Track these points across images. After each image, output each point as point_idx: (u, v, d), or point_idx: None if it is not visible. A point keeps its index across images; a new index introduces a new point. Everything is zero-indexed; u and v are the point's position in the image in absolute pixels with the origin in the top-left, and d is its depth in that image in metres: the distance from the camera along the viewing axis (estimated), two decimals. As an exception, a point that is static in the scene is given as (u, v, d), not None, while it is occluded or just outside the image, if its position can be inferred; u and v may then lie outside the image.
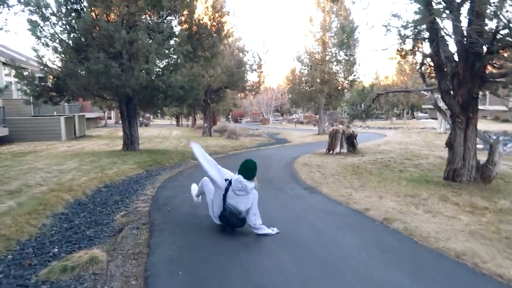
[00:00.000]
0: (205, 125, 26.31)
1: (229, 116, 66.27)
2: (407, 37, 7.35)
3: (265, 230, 4.74)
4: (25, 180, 8.44)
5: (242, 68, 25.05)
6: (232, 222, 4.79)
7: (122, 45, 10.78)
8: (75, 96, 11.85)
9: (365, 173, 9.66)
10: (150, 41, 11.12)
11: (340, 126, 15.00)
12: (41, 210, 5.92)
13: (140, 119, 56.01)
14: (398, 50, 8.33)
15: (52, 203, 6.53)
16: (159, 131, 35.41)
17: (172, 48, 11.61)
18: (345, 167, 10.85)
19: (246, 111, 69.33)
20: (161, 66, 11.49)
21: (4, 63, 21.43)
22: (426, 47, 8.38)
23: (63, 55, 11.70)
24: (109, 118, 66.59)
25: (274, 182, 8.42)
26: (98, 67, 10.64)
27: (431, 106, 53.42)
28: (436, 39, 7.01)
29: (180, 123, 54.63)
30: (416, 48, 8.18)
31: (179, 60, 12.24)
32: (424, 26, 6.89)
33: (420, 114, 66.53)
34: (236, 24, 27.03)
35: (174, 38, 12.16)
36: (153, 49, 10.97)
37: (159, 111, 40.57)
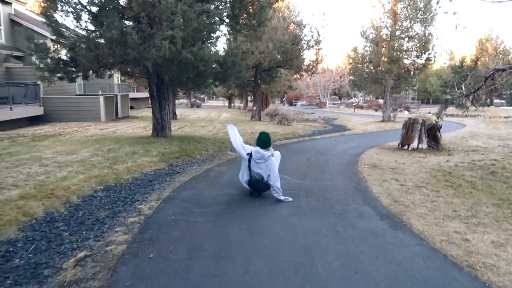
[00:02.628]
0: (255, 108, 23.82)
1: (284, 99, 63.38)
2: None
3: (282, 196, 5.53)
4: (3, 178, 6.49)
5: (298, 45, 22.08)
6: (258, 187, 5.78)
7: (140, 5, 8.46)
8: (87, 70, 9.79)
9: (466, 186, 6.62)
10: (178, 1, 8.69)
11: (426, 114, 11.73)
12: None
13: (193, 99, 55.02)
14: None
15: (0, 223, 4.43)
16: (208, 113, 33.62)
17: (207, 12, 9.10)
18: (431, 172, 7.82)
19: (302, 93, 65.95)
20: (191, 34, 9.04)
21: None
22: None
23: (77, 21, 9.66)
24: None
25: (332, 198, 5.70)
26: (112, 33, 8.42)
27: (515, 92, 46.83)
28: None
29: (233, 105, 52.78)
30: None
31: (215, 27, 9.71)
32: None
33: (497, 101, 58.98)
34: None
35: (210, -1, 9.62)
36: (180, 11, 8.53)
37: (206, 91, 38.85)
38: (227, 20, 11.86)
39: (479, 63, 38.65)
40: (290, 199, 5.51)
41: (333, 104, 58.76)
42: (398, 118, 26.08)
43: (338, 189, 6.28)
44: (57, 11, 9.31)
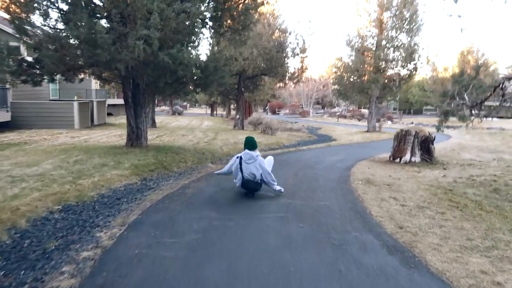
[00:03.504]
0: (237, 116, 23.02)
1: (267, 107, 62.86)
2: None
3: (278, 186, 6.33)
4: None
5: (283, 53, 21.46)
6: (250, 186, 6.28)
7: (112, 2, 7.60)
8: (52, 72, 8.81)
9: (472, 207, 5.95)
10: (154, -2, 7.87)
11: (414, 126, 11.16)
12: None
13: (175, 107, 53.79)
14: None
15: None
16: (190, 121, 32.68)
17: (187, 12, 8.29)
18: (430, 189, 7.15)
19: (285, 102, 65.58)
20: (170, 35, 8.21)
21: None
22: None
23: (44, 18, 8.71)
24: (145, 105, 65.30)
25: (327, 222, 4.92)
26: (79, 32, 7.52)
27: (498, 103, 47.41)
28: None
29: (215, 112, 51.85)
30: None
31: (196, 29, 8.91)
32: None
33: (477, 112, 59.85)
34: None
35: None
36: (157, 8, 7.70)
37: (188, 98, 38.00)
38: (210, 23, 11.11)
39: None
40: (282, 190, 6.33)
41: (316, 113, 58.51)
42: (383, 128, 25.69)
43: (332, 210, 5.51)
44: (21, 7, 8.32)
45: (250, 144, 6.41)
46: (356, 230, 4.58)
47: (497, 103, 7.77)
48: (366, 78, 23.03)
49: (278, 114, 60.50)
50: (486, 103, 8.41)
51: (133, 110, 11.10)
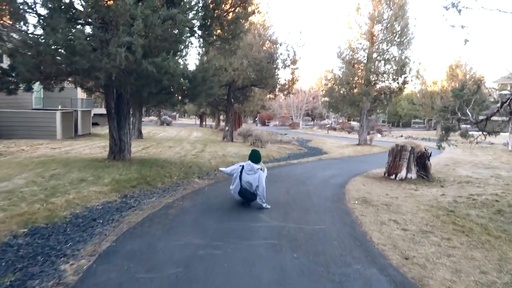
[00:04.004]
0: (227, 128, 22.51)
1: (256, 119, 62.55)
2: None
3: (265, 204, 6.47)
4: None
5: (273, 64, 21.12)
6: (246, 196, 6.56)
7: (93, 6, 7.09)
8: (27, 80, 8.21)
9: (479, 231, 5.50)
10: (138, 3, 7.39)
11: (408, 140, 10.79)
12: None
13: (163, 117, 52.99)
14: None
15: None
16: (178, 132, 32.06)
17: (173, 19, 7.80)
18: (431, 210, 6.71)
19: (275, 113, 65.35)
20: (155, 42, 7.72)
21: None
22: None
23: (20, 23, 8.14)
24: (133, 115, 64.36)
25: (324, 251, 4.40)
26: (56, 38, 6.98)
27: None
28: None
29: (204, 123, 51.26)
30: None
31: (183, 37, 8.44)
32: None
33: (463, 126, 60.12)
34: (268, 9, 23.12)
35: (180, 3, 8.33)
36: (141, 14, 7.22)
37: (176, 109, 37.51)
38: (199, 32, 10.66)
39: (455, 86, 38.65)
40: (269, 206, 6.48)
41: (306, 125, 58.35)
42: (374, 142, 25.41)
43: (329, 236, 5.00)
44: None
45: (255, 156, 6.66)
46: (358, 262, 4.07)
47: (498, 118, 7.38)
48: (357, 90, 22.78)
49: (267, 125, 60.19)
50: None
51: (116, 121, 10.52)
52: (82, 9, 7.81)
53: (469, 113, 6.69)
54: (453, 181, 9.96)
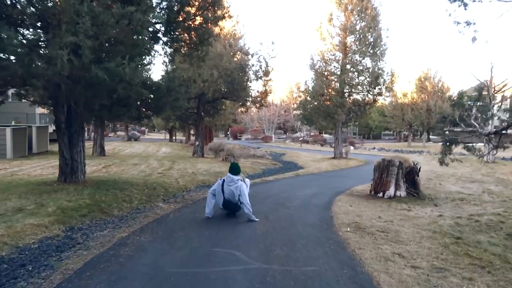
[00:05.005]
0: (197, 143, 21.22)
1: (228, 132, 61.41)
2: None
3: (252, 216, 6.62)
4: None
5: (245, 76, 20.14)
6: (231, 207, 6.89)
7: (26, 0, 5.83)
8: None
9: (500, 265, 4.57)
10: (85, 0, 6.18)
11: (399, 155, 9.94)
12: None
13: (132, 132, 50.83)
14: None
15: None
16: (146, 148, 30.41)
17: (129, 18, 6.64)
18: (435, 237, 5.75)
19: (247, 127, 64.43)
20: (107, 46, 6.52)
21: None
22: None
23: None
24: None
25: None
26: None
27: (454, 129, 48.43)
28: None
29: (174, 138, 49.53)
30: None
31: (142, 40, 7.25)
32: None
33: (432, 137, 61.13)
34: (239, 18, 22.10)
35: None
36: (88, 10, 6.01)
37: (143, 123, 35.89)
38: (164, 39, 9.52)
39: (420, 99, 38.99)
40: (257, 219, 6.61)
41: (279, 138, 57.66)
42: (350, 154, 24.77)
43: (327, 283, 3.89)
44: None
45: (234, 169, 7.03)
46: (373, 328, 2.98)
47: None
48: (331, 102, 22.10)
49: (239, 139, 59.16)
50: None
51: (67, 137, 9.13)
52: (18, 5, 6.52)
53: (475, 124, 5.84)
54: (445, 199, 9.13)
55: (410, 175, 9.20)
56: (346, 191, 10.37)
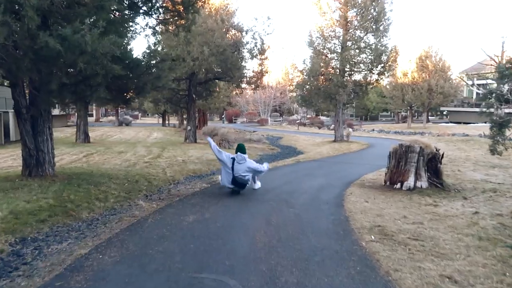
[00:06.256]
0: (189, 127, 19.80)
1: (223, 116, 59.87)
2: None
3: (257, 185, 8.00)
4: None
5: (239, 54, 18.60)
6: (240, 182, 7.38)
7: None
8: None
9: None
10: None
11: (419, 139, 8.62)
12: None
13: (124, 116, 49.09)
14: None
15: None
16: (136, 133, 28.91)
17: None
18: (485, 247, 4.48)
19: (242, 110, 62.87)
20: (62, 8, 5.10)
21: None
22: None
23: None
24: (90, 115, 59.97)
25: None
26: None
27: (454, 109, 47.22)
28: None
29: (167, 122, 47.86)
30: None
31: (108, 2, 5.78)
32: None
33: (432, 118, 59.98)
34: None
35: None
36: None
37: (130, 105, 34.41)
38: (144, 8, 8.04)
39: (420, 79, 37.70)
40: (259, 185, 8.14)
41: (275, 121, 56.23)
42: (352, 137, 23.49)
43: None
44: None
45: (241, 149, 7.72)
46: None
47: None
48: (331, 82, 20.67)
49: (235, 122, 57.78)
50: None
51: (30, 124, 7.73)
52: None
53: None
54: (473, 189, 7.87)
55: (432, 162, 7.92)
56: (356, 181, 9.10)
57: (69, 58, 5.32)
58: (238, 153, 7.55)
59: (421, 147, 7.80)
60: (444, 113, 59.67)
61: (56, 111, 32.75)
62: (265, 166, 8.10)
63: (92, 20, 5.63)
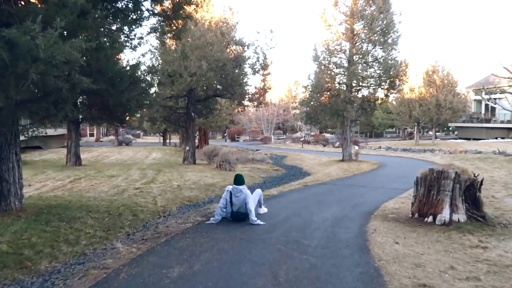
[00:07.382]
0: (187, 148, 18.58)
1: (225, 134, 58.80)
2: None
3: (258, 221, 6.85)
4: None
5: (241, 70, 17.51)
6: (239, 217, 6.99)
7: None
8: None
9: None
10: None
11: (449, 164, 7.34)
12: None
13: (126, 136, 47.84)
14: None
15: None
16: (135, 154, 27.73)
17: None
18: None
19: (244, 128, 61.80)
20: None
21: None
22: None
23: None
24: (91, 135, 58.95)
25: None
26: None
27: (462, 124, 45.90)
28: None
29: (168, 141, 46.73)
30: None
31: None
32: None
33: (438, 133, 58.53)
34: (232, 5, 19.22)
35: None
36: None
37: (125, 124, 33.43)
38: (132, 15, 6.93)
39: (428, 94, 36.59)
40: (263, 222, 6.89)
41: (278, 139, 55.00)
42: (361, 156, 22.18)
43: None
44: None
45: (238, 180, 7.26)
46: None
47: None
48: (339, 98, 19.50)
49: (237, 140, 56.64)
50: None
51: (-8, 150, 6.53)
52: None
53: None
54: (522, 225, 6.53)
55: (470, 190, 6.62)
56: (376, 212, 7.78)
57: (20, 68, 4.13)
58: (234, 185, 7.21)
59: (457, 172, 6.51)
60: (451, 129, 58.46)
61: (51, 131, 31.70)
62: (263, 210, 7.75)
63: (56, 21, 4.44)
